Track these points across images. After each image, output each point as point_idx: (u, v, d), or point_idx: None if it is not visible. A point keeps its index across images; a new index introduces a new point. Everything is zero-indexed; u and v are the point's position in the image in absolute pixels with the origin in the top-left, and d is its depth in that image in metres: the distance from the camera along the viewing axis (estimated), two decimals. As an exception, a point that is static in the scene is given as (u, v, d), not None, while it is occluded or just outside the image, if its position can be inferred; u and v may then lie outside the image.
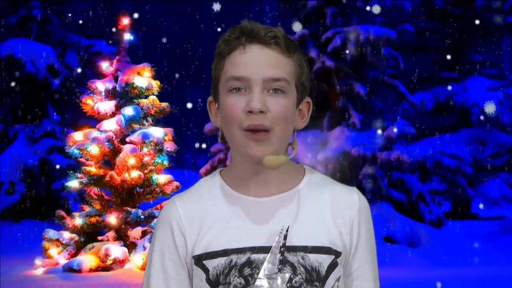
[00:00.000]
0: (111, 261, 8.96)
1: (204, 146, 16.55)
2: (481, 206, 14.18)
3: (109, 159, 9.92)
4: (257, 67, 1.45)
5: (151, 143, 9.69)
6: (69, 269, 8.94)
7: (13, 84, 15.93)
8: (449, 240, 12.80)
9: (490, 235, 13.90)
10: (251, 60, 1.46)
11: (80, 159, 9.78)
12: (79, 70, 16.62)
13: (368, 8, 12.76)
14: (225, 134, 1.51)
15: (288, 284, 1.44)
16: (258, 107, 1.43)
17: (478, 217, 17.86)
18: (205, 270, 1.47)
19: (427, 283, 9.11)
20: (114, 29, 10.58)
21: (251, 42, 1.47)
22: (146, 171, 9.75)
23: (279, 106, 1.46)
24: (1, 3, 16.75)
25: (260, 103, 1.44)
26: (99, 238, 9.50)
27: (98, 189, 9.76)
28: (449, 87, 17.56)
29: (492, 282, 9.08)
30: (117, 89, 10.12)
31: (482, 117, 17.27)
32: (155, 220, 9.53)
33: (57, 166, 15.40)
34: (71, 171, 10.28)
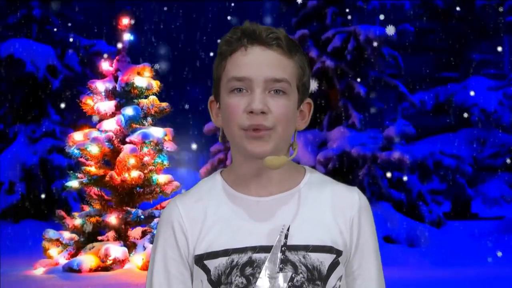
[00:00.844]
0: (111, 261, 8.96)
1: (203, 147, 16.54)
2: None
3: (109, 159, 9.92)
4: (259, 68, 1.45)
5: (151, 143, 9.69)
6: (69, 269, 8.94)
7: (13, 84, 15.93)
8: (449, 240, 12.80)
9: (490, 235, 13.91)
10: (253, 61, 1.46)
11: (80, 159, 9.78)
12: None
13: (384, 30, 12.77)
14: (225, 134, 1.52)
15: (289, 283, 1.44)
16: (260, 107, 1.44)
17: (478, 217, 17.87)
18: (206, 270, 1.47)
19: (427, 283, 9.11)
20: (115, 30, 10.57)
21: (252, 43, 1.47)
22: (146, 171, 9.75)
23: (280, 107, 1.46)
24: (1, 3, 16.75)
25: (262, 103, 1.44)
26: (99, 238, 9.50)
27: (98, 189, 9.76)
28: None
29: (492, 282, 9.08)
30: (117, 89, 10.12)
31: (482, 117, 17.28)
32: (155, 220, 9.54)
33: (57, 166, 15.39)
34: (71, 171, 10.28)
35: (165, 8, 24.13)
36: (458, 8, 18.11)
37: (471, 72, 18.43)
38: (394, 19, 17.18)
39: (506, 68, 20.25)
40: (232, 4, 20.86)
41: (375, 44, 13.38)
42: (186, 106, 17.73)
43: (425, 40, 19.06)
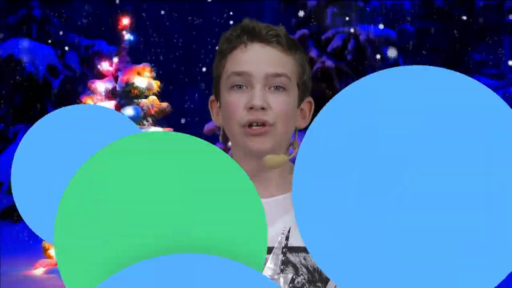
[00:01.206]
0: (111, 261, 8.96)
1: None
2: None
3: (109, 159, 9.91)
4: (259, 64, 1.45)
5: (151, 143, 9.69)
6: (69, 269, 8.94)
7: (13, 84, 15.94)
8: (449, 240, 12.79)
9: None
10: (253, 57, 1.45)
11: (80, 159, 9.78)
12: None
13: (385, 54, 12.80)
14: (226, 132, 1.51)
15: (290, 285, 1.43)
16: (260, 103, 1.43)
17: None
18: (206, 270, 1.46)
19: (427, 283, 9.09)
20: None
21: (252, 41, 1.46)
22: (146, 171, 9.75)
23: (280, 103, 1.45)
24: (1, 3, 16.75)
25: (262, 99, 1.43)
26: (99, 238, 9.50)
27: (98, 189, 9.75)
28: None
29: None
30: (117, 89, 10.12)
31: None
32: (155, 220, 9.55)
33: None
34: (71, 171, 10.26)
35: (162, 12, 24.17)
36: (458, 8, 18.12)
37: (470, 72, 18.43)
38: (394, 19, 17.20)
39: (506, 68, 20.26)
40: (231, 13, 20.87)
41: (375, 44, 13.38)
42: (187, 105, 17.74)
43: (425, 40, 19.05)
